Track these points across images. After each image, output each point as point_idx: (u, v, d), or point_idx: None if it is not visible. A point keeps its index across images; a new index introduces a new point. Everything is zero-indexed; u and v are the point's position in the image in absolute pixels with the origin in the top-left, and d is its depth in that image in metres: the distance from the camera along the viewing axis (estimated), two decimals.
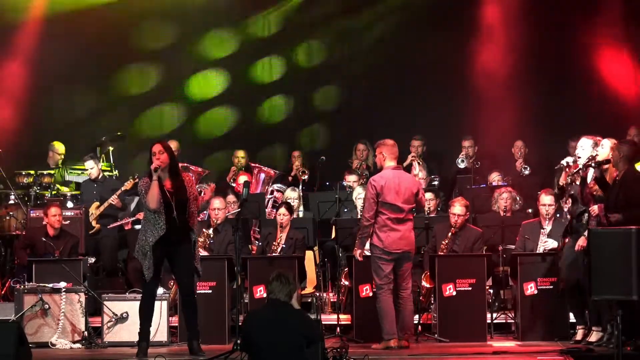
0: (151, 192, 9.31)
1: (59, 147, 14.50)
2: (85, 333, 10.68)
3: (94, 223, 13.15)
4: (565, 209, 9.99)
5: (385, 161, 10.20)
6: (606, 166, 9.57)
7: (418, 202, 10.34)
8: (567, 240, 10.10)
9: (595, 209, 9.52)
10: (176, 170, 9.55)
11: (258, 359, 7.50)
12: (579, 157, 9.87)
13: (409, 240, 10.06)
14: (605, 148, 9.68)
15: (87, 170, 13.61)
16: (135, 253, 9.55)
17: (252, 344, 7.55)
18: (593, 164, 9.58)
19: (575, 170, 9.86)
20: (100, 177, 13.55)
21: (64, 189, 14.05)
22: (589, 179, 9.71)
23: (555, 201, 10.95)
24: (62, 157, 14.49)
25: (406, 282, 10.09)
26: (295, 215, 12.43)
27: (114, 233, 13.31)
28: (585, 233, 9.66)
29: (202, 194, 12.94)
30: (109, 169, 14.69)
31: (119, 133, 15.20)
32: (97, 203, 13.19)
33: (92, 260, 12.36)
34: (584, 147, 9.85)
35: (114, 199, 13.05)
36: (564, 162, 10.05)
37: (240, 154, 14.82)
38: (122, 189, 13.13)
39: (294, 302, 7.60)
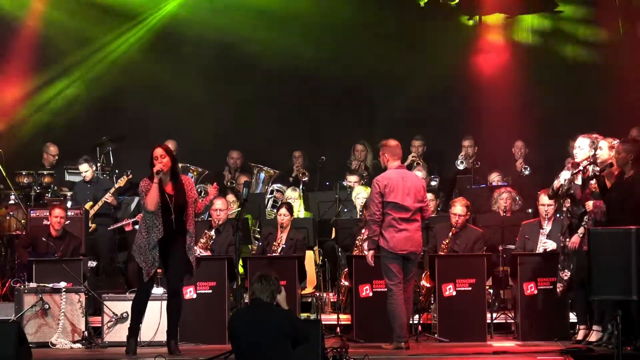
0: (151, 194, 9.41)
1: (53, 148, 14.49)
2: (85, 333, 10.68)
3: (89, 222, 13.15)
4: (564, 209, 9.93)
5: (388, 162, 10.17)
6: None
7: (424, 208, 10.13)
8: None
9: (589, 204, 9.51)
10: (177, 174, 9.64)
11: (242, 359, 7.52)
12: (577, 157, 9.84)
13: (414, 241, 9.95)
14: (604, 149, 9.63)
15: (81, 172, 13.62)
16: (133, 252, 9.63)
17: (236, 344, 7.57)
18: (597, 169, 9.48)
19: (575, 171, 9.79)
20: (94, 178, 13.56)
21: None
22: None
23: (554, 201, 10.93)
24: (56, 158, 14.48)
25: (408, 285, 10.05)
26: (295, 215, 12.42)
27: (111, 233, 13.32)
28: (579, 231, 9.67)
29: (202, 195, 12.90)
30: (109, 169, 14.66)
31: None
32: (91, 203, 13.20)
33: (93, 264, 12.37)
34: (582, 147, 9.78)
35: (108, 197, 13.06)
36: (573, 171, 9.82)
37: (235, 154, 14.74)
38: (116, 186, 13.17)
39: (281, 302, 7.60)
